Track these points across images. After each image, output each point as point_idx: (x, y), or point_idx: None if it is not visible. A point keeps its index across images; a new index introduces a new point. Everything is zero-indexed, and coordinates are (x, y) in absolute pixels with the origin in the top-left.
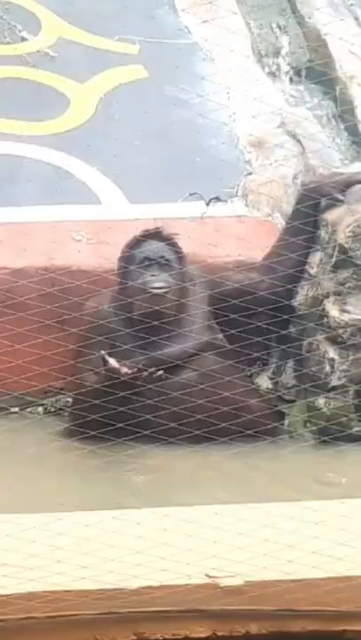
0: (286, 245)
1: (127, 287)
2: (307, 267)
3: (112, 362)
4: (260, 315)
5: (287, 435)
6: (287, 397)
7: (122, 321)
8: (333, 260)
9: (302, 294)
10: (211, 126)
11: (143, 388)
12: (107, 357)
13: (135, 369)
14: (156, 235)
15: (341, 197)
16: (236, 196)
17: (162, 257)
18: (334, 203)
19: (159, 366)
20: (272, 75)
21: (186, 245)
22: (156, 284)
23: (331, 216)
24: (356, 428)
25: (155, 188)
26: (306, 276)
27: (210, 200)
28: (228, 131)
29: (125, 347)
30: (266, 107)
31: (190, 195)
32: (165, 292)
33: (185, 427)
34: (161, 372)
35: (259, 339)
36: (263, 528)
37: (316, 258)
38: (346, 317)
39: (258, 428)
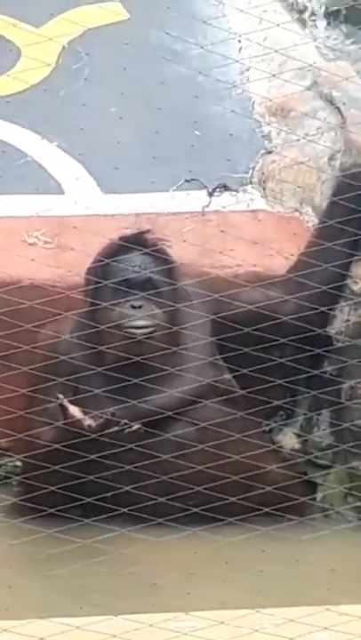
0: (320, 252)
1: (97, 316)
2: (348, 281)
3: (73, 410)
4: (282, 347)
5: (321, 513)
6: (321, 462)
7: (89, 356)
8: None
9: (342, 319)
10: (216, 88)
11: (119, 449)
12: (66, 404)
13: (103, 420)
14: (139, 241)
15: None
16: (251, 183)
17: (147, 280)
18: None
19: (141, 418)
20: (300, 17)
21: (181, 252)
22: (138, 323)
23: None
24: None
25: (138, 174)
26: (347, 293)
27: (214, 189)
28: (238, 94)
29: (93, 391)
30: (291, 61)
31: (187, 182)
32: (150, 334)
33: (178, 502)
34: (138, 425)
35: (281, 381)
36: None
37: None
38: None
39: (280, 503)
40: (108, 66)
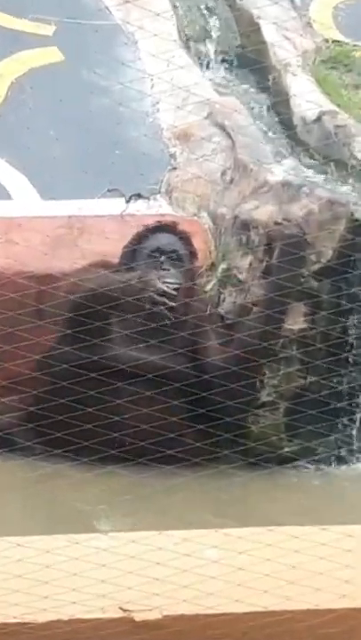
0: None
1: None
2: (235, 272)
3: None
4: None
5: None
6: None
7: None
8: (264, 264)
9: (230, 301)
10: (132, 116)
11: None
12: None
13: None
14: (169, 228)
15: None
16: (160, 192)
17: (173, 251)
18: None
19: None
20: (200, 61)
21: (104, 245)
22: (169, 279)
23: (261, 216)
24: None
25: (70, 183)
26: (236, 282)
27: (130, 197)
28: (150, 121)
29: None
30: (193, 96)
31: (109, 191)
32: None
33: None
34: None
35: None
36: (183, 557)
37: (245, 261)
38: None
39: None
40: (47, 98)
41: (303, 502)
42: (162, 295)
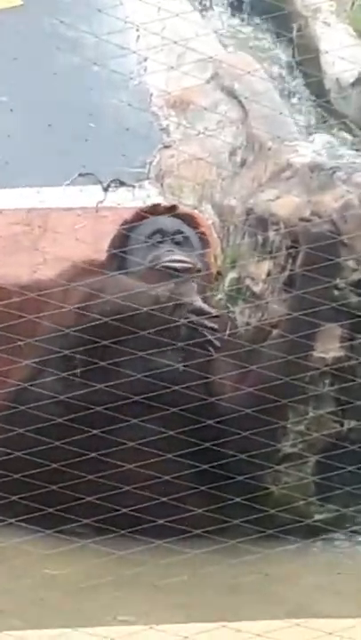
0: None
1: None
2: (248, 282)
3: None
4: None
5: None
6: None
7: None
8: (287, 272)
9: (242, 322)
10: (111, 79)
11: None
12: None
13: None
14: (170, 210)
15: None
16: (148, 179)
17: (178, 231)
18: None
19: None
20: (202, 6)
21: (75, 249)
22: (175, 258)
23: (282, 209)
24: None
25: (28, 167)
26: (247, 295)
27: (109, 184)
28: (135, 85)
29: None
30: (191, 52)
31: (81, 176)
32: (188, 270)
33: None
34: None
35: None
36: None
37: (261, 269)
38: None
39: None
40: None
41: (338, 586)
42: (199, 313)
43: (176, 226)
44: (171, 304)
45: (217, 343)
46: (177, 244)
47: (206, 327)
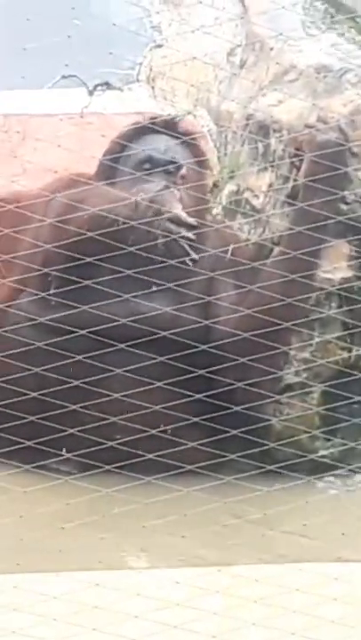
0: None
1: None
2: (248, 195)
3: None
4: None
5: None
6: None
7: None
8: (290, 185)
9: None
10: None
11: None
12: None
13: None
14: (166, 126)
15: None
16: (138, 81)
17: (170, 161)
18: None
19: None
20: None
21: (57, 158)
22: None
23: (285, 115)
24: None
25: (4, 67)
26: (247, 209)
27: (95, 87)
28: None
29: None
30: None
31: (63, 78)
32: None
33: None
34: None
35: None
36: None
37: (262, 181)
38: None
39: None
40: None
41: (344, 528)
42: (177, 223)
43: (170, 151)
44: (149, 212)
45: (194, 255)
46: (168, 173)
47: (183, 238)
